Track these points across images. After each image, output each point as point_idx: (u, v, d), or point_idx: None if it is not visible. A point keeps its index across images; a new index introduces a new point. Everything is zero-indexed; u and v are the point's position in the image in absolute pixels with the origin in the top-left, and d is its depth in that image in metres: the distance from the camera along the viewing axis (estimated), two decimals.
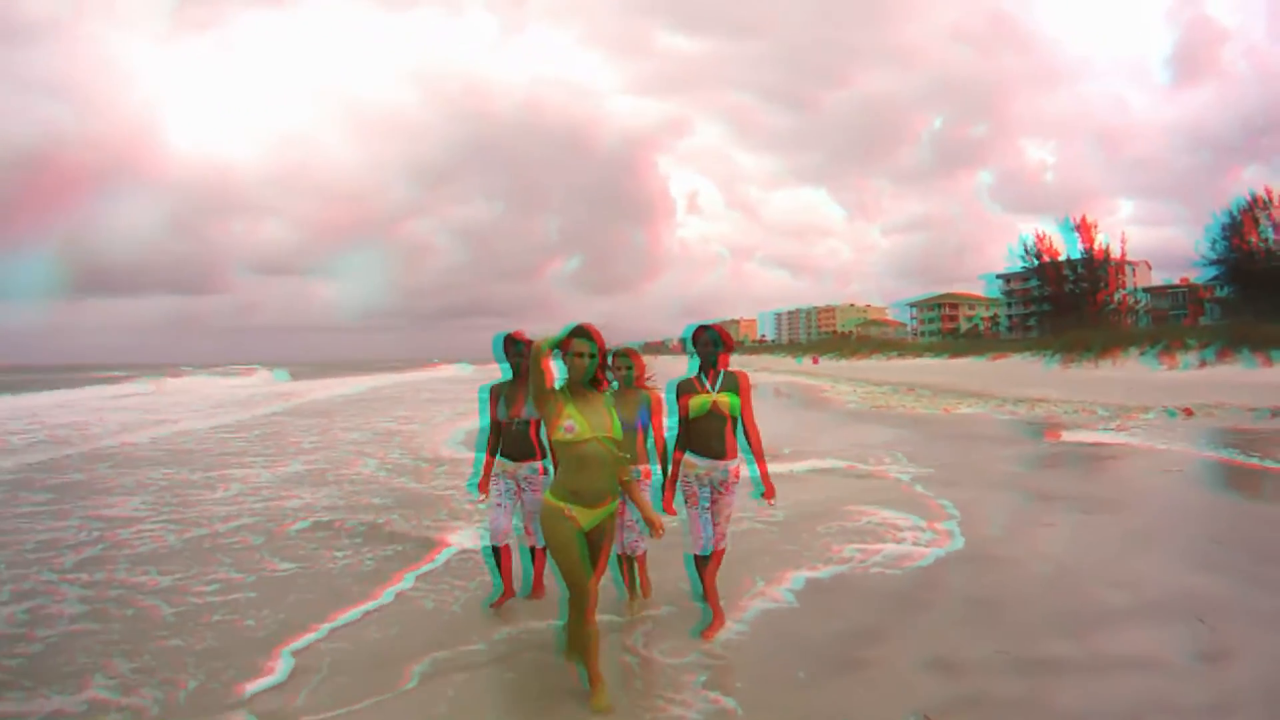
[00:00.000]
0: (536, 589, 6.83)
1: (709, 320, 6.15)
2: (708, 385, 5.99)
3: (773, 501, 6.17)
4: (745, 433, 6.04)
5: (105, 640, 6.05)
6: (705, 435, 5.97)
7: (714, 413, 5.94)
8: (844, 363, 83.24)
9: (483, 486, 6.72)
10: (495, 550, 6.71)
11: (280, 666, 5.50)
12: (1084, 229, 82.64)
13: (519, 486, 6.68)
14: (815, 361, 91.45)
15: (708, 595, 6.13)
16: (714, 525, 6.06)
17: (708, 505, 6.02)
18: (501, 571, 6.74)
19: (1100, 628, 5.95)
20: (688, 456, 6.02)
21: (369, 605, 6.75)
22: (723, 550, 6.15)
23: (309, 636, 6.06)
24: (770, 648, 5.77)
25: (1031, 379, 39.97)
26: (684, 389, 6.04)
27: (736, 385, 6.02)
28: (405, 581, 7.38)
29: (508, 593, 6.73)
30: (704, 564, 6.10)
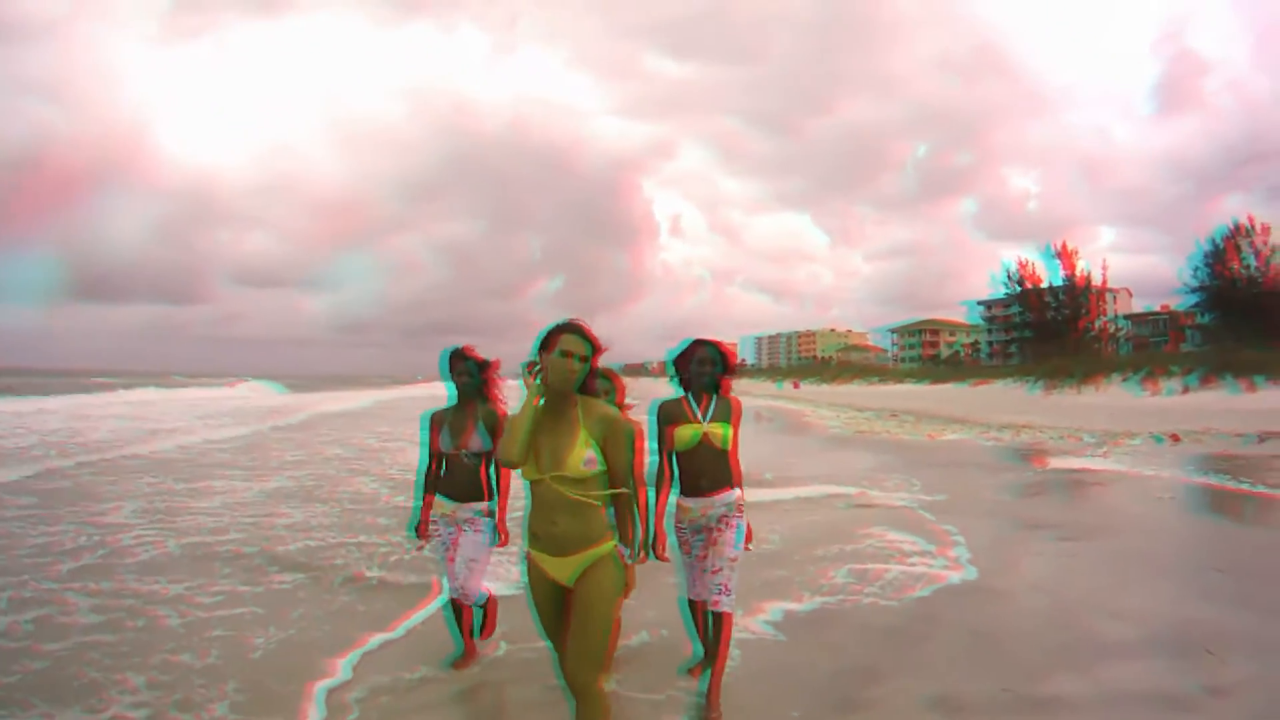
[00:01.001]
0: (466, 653, 5.85)
1: (701, 337, 5.32)
2: (698, 413, 5.18)
3: (750, 547, 5.32)
4: (731, 466, 5.22)
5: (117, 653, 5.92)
6: (694, 472, 5.16)
7: (706, 445, 5.13)
8: (825, 388, 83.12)
9: (422, 531, 5.86)
10: (456, 606, 5.81)
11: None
12: (1065, 256, 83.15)
13: (458, 529, 5.70)
14: (796, 386, 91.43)
15: (710, 697, 4.95)
16: (715, 575, 5.07)
17: (702, 553, 5.18)
18: (462, 629, 5.86)
19: (1104, 661, 5.68)
20: (679, 499, 5.22)
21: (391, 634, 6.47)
22: (730, 616, 5.06)
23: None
24: (762, 686, 5.39)
25: (1015, 405, 39.84)
26: (669, 415, 5.19)
27: (730, 414, 5.23)
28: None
29: (470, 652, 5.85)
30: (702, 611, 5.35)
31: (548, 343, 3.82)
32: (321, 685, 5.39)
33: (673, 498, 5.29)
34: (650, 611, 6.53)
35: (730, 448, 5.22)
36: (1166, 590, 7.40)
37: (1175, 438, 20.71)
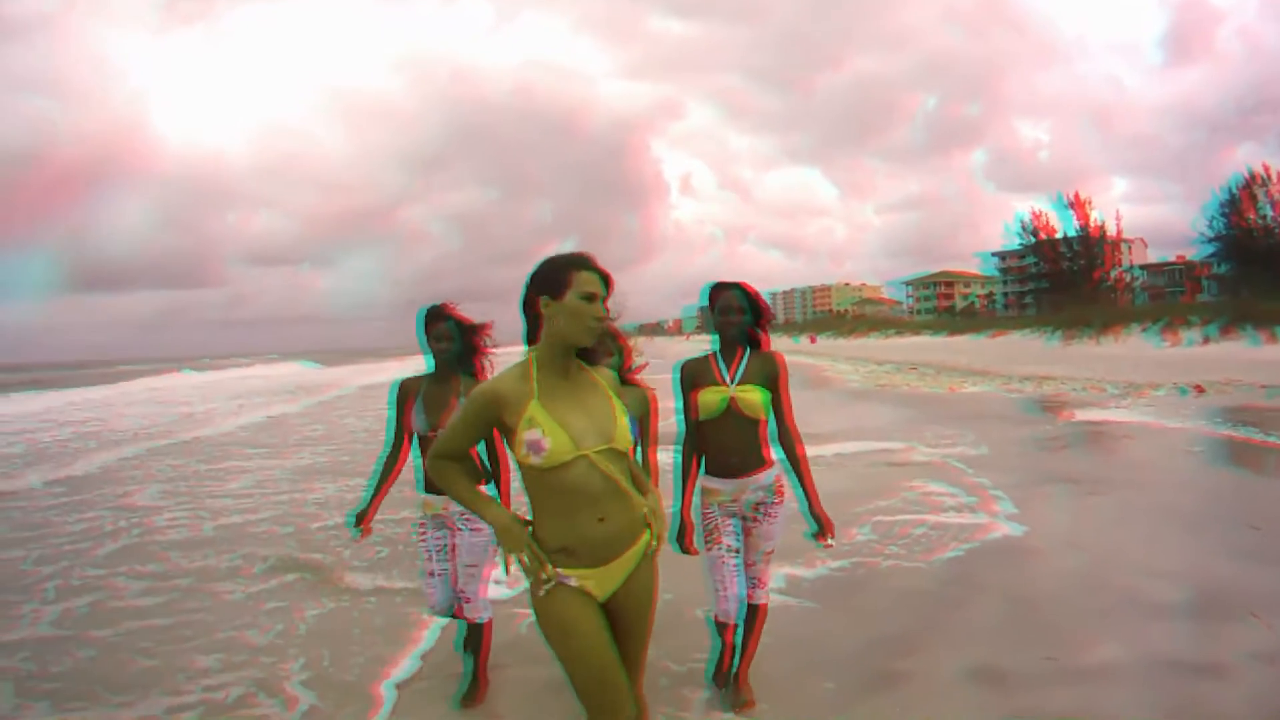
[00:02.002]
0: (478, 688, 4.82)
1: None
2: (725, 373, 4.32)
3: (831, 543, 4.41)
4: (781, 438, 4.36)
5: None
6: (721, 446, 4.33)
7: (733, 413, 4.27)
8: (842, 341, 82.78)
9: (365, 521, 4.87)
10: (469, 627, 4.83)
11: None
12: (1078, 206, 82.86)
13: (453, 529, 4.68)
14: (813, 340, 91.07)
15: (738, 679, 4.56)
16: (749, 569, 4.44)
17: (737, 546, 4.38)
18: (474, 652, 4.87)
19: (1147, 625, 5.47)
20: (704, 480, 4.41)
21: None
22: (765, 607, 4.55)
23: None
24: (791, 657, 5.13)
25: (1034, 356, 39.53)
26: (693, 376, 4.38)
27: (769, 374, 4.31)
28: None
29: (484, 684, 4.86)
30: (734, 633, 4.47)
31: (556, 283, 2.87)
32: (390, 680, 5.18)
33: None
34: (664, 571, 6.23)
35: (783, 415, 4.35)
36: (1203, 548, 7.20)
37: (1199, 389, 20.47)
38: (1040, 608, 5.89)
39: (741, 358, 4.37)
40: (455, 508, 4.60)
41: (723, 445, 4.35)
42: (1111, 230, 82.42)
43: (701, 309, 4.75)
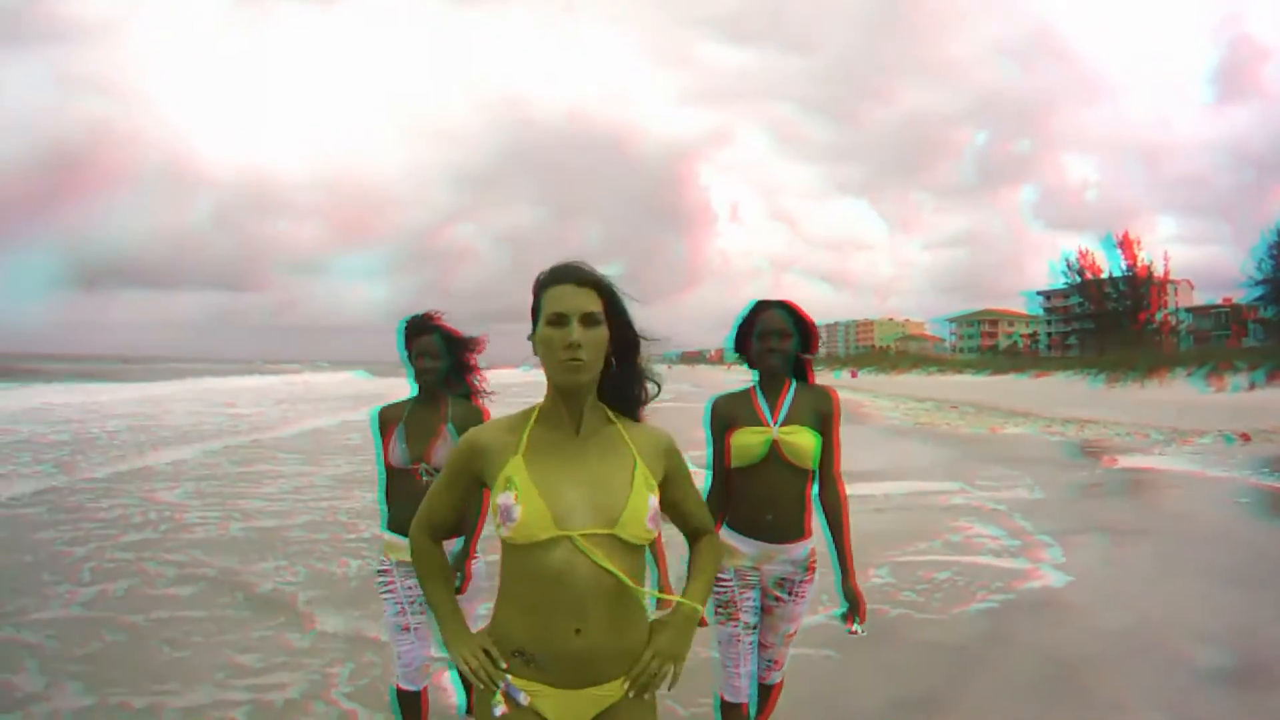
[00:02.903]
0: None
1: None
2: (768, 411, 3.56)
3: (859, 630, 3.59)
4: (823, 494, 3.64)
5: None
6: (756, 500, 3.54)
7: (776, 460, 3.50)
8: (883, 377, 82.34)
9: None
10: (404, 696, 4.02)
11: None
12: (1127, 246, 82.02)
13: None
14: (854, 375, 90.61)
15: None
16: (764, 650, 3.71)
17: (755, 623, 3.62)
18: None
19: (1197, 696, 5.19)
20: (724, 534, 3.57)
21: None
22: (781, 684, 3.84)
23: None
24: (809, 715, 4.73)
25: (1077, 399, 39.06)
26: (728, 414, 3.61)
27: (821, 414, 3.59)
28: None
29: None
30: (745, 711, 3.68)
31: (534, 309, 2.23)
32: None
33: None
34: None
35: (828, 468, 3.62)
36: (1253, 610, 6.93)
37: (1245, 437, 20.17)
38: (1080, 671, 5.59)
39: (787, 393, 3.61)
40: None
41: (757, 499, 3.54)
42: (1159, 271, 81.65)
43: (726, 342, 3.74)
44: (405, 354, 4.09)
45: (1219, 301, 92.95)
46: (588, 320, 2.12)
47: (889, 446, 20.14)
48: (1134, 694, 5.25)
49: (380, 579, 4.06)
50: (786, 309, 3.64)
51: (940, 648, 6.08)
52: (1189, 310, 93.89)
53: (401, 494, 4.01)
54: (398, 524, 3.95)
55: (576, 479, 2.15)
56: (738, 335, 3.70)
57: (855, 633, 3.59)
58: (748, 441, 3.54)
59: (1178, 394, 39.17)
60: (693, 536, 2.47)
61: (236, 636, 6.14)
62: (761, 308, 3.65)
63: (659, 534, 2.37)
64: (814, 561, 3.67)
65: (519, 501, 2.09)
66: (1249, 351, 47.04)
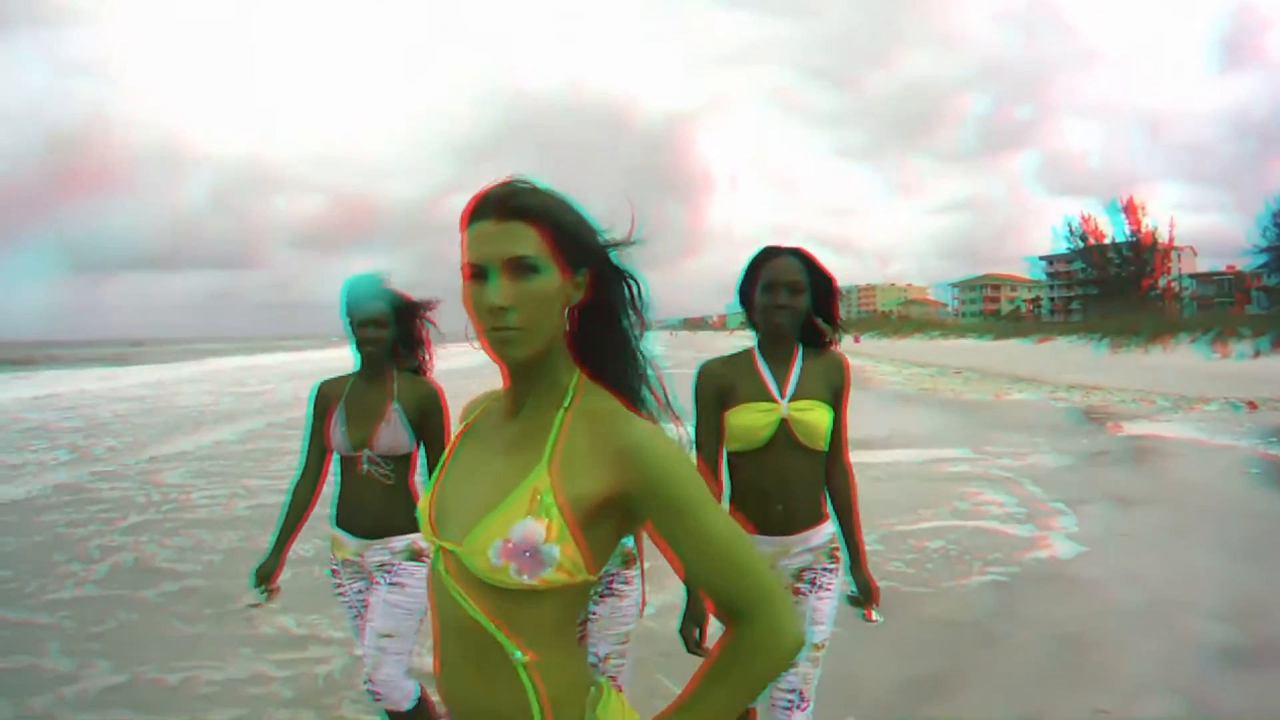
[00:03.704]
0: None
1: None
2: (772, 382, 2.97)
3: (875, 616, 3.15)
4: (828, 477, 3.10)
5: None
6: (762, 490, 2.95)
7: (785, 442, 2.94)
8: (886, 342, 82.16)
9: (273, 579, 3.63)
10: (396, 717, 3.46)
11: None
12: (1131, 211, 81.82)
13: (374, 582, 3.47)
14: (856, 340, 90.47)
15: None
16: (782, 678, 2.88)
17: None
18: None
19: (1212, 676, 5.07)
20: None
21: None
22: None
23: None
24: (815, 699, 4.63)
25: (1081, 364, 38.90)
26: (722, 386, 3.00)
27: (835, 385, 3.06)
28: None
29: None
30: None
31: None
32: None
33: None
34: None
35: (835, 444, 3.08)
36: (1272, 587, 6.77)
37: (1252, 405, 20.02)
38: (1093, 650, 5.44)
39: (795, 359, 3.02)
40: (374, 555, 3.45)
41: (764, 489, 2.95)
42: (1163, 237, 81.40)
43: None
44: (347, 322, 3.52)
45: (1222, 269, 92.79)
46: (516, 269, 1.42)
47: (894, 413, 20.06)
48: (1148, 674, 5.11)
49: (331, 581, 3.63)
50: (800, 257, 3.03)
51: (951, 625, 5.96)
52: (1192, 277, 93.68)
53: (343, 485, 3.53)
54: (340, 518, 3.52)
55: (476, 471, 1.53)
56: (742, 287, 3.11)
57: (873, 621, 3.14)
58: (752, 421, 2.93)
59: (1182, 360, 39.08)
60: (723, 619, 1.43)
61: (262, 611, 5.98)
62: (770, 254, 3.03)
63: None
64: (836, 547, 3.09)
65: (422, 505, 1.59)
66: (1254, 319, 46.96)
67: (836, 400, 3.04)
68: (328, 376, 3.69)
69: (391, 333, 3.51)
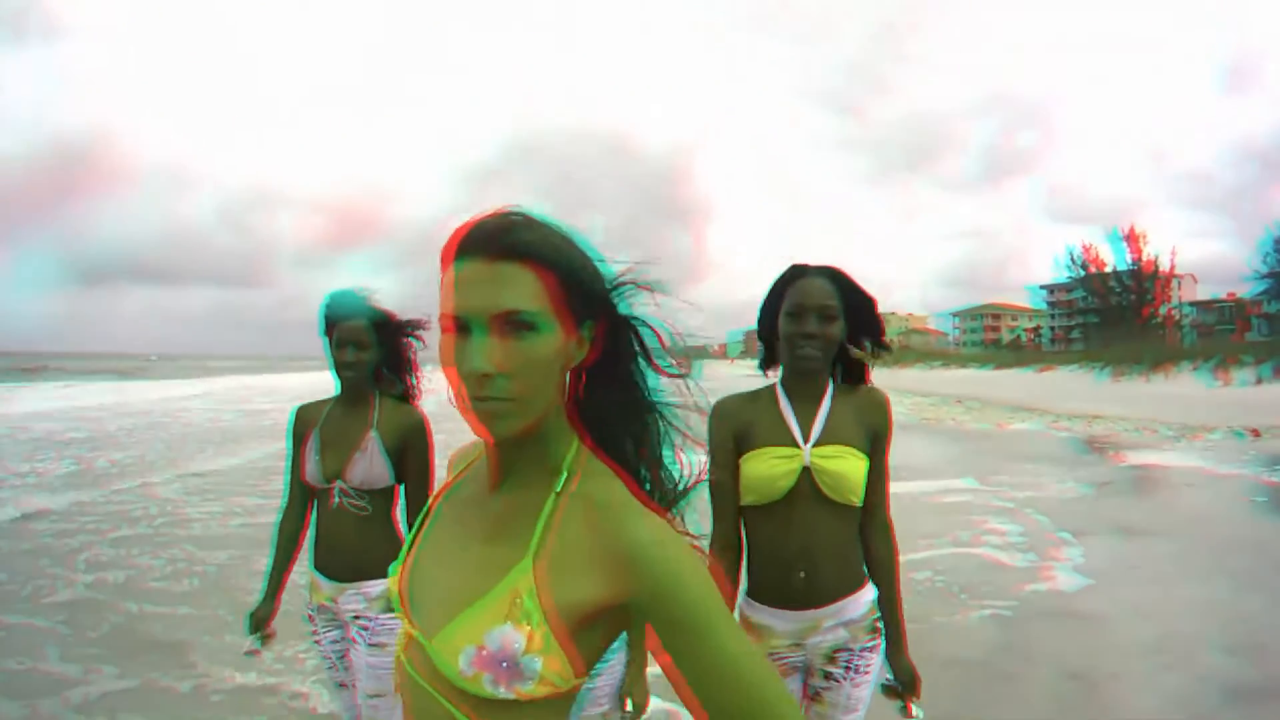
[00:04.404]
0: None
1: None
2: (794, 425, 2.53)
3: (915, 711, 2.64)
4: (865, 539, 2.62)
5: None
6: (783, 552, 2.50)
7: (809, 494, 2.48)
8: (887, 371, 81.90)
9: (268, 624, 3.34)
10: None
11: None
12: (1133, 240, 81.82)
13: (351, 637, 3.17)
14: None
15: None
16: None
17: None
18: None
19: (1229, 716, 4.90)
20: (746, 607, 2.58)
21: None
22: None
23: None
24: None
25: (1083, 393, 38.75)
26: (739, 425, 2.56)
27: (873, 429, 2.61)
28: None
29: None
30: None
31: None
32: None
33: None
34: None
35: (873, 499, 2.61)
36: None
37: (1256, 433, 19.92)
38: (1102, 689, 5.28)
39: (825, 398, 2.58)
40: (349, 603, 3.14)
41: (784, 552, 2.50)
42: (1165, 265, 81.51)
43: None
44: (325, 342, 3.19)
45: (1223, 296, 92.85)
46: (509, 325, 1.16)
47: (897, 442, 19.87)
48: (1163, 711, 4.95)
49: (307, 628, 3.30)
50: (832, 277, 2.58)
51: (955, 664, 5.74)
52: (1193, 304, 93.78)
53: (318, 521, 3.23)
54: (317, 559, 3.22)
55: (451, 553, 1.29)
56: (763, 313, 2.65)
57: (913, 716, 2.63)
58: (768, 469, 2.48)
59: (1184, 388, 38.91)
60: None
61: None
62: (797, 274, 2.59)
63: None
64: (878, 617, 2.60)
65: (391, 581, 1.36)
66: (1255, 346, 46.92)
67: (875, 446, 2.60)
68: (307, 401, 3.39)
69: (374, 354, 3.18)
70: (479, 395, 1.15)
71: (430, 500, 1.40)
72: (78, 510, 10.96)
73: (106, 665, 5.43)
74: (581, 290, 1.22)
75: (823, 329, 2.50)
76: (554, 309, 1.18)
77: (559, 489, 1.22)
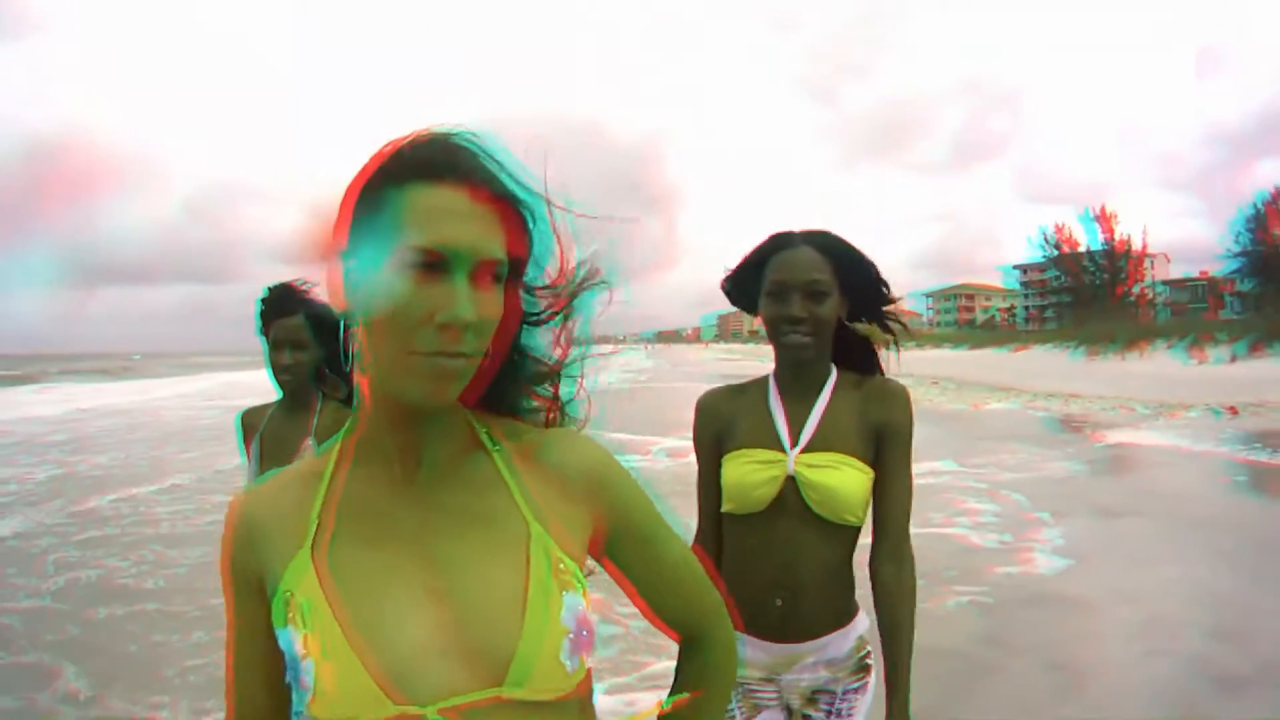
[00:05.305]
0: None
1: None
2: (780, 425, 2.11)
3: None
4: (873, 567, 2.18)
5: None
6: (761, 573, 2.08)
7: (795, 509, 2.05)
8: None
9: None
10: None
11: None
12: (1104, 220, 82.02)
13: None
14: None
15: None
16: None
17: None
18: None
19: (1216, 703, 4.69)
20: None
21: None
22: None
23: None
24: None
25: (1058, 372, 38.76)
26: (721, 422, 2.21)
27: (880, 429, 2.13)
28: None
29: None
30: None
31: (359, 233, 1.02)
32: None
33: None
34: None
35: (884, 517, 2.18)
36: (1263, 598, 6.45)
37: (1233, 410, 19.87)
38: (1087, 678, 5.08)
39: (819, 391, 2.15)
40: None
41: (762, 571, 2.08)
42: (1137, 245, 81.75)
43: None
44: (264, 342, 2.94)
45: (1195, 275, 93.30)
46: (492, 276, 0.99)
47: None
48: (1151, 704, 4.75)
49: None
50: (822, 246, 2.12)
51: (936, 654, 5.29)
52: (1165, 283, 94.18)
53: None
54: None
55: (414, 582, 1.01)
56: (743, 289, 2.21)
57: None
58: (745, 475, 2.08)
59: (1159, 366, 39.03)
60: (684, 638, 1.26)
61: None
62: (779, 244, 2.13)
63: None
64: (868, 657, 2.20)
65: (315, 654, 0.97)
66: (1230, 323, 47.11)
67: (887, 452, 2.12)
68: (251, 405, 3.16)
69: (313, 355, 2.90)
70: (450, 350, 0.95)
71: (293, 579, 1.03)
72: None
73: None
74: (535, 254, 1.09)
75: (811, 310, 2.06)
76: (520, 263, 1.06)
77: (494, 446, 1.10)
